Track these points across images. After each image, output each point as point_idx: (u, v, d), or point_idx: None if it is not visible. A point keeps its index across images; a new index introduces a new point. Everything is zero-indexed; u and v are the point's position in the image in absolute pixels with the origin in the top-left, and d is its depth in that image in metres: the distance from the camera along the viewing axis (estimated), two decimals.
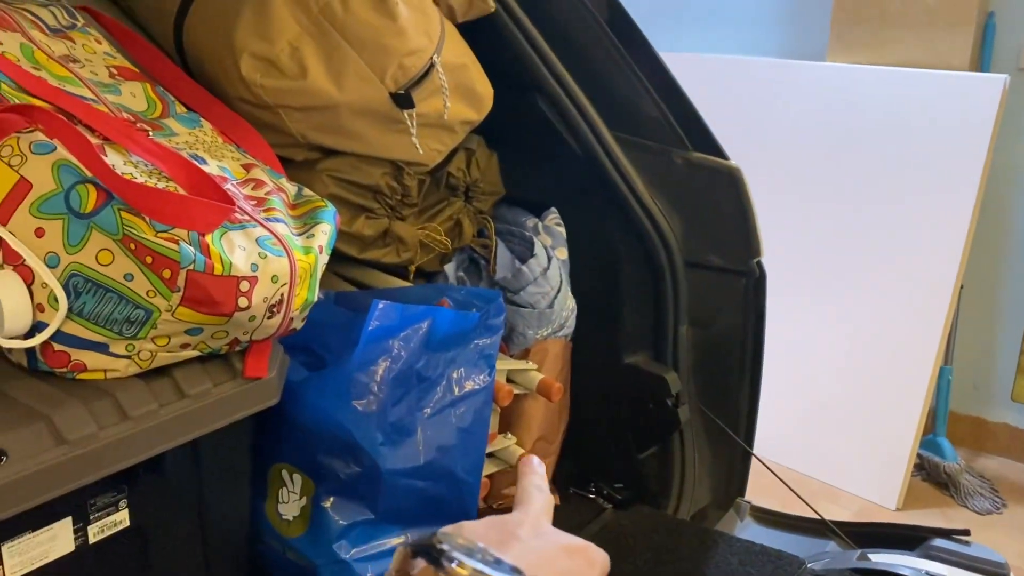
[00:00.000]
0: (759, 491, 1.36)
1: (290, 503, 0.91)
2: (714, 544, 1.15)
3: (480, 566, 0.40)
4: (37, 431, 0.63)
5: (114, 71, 0.83)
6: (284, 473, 0.91)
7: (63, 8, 0.86)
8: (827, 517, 1.25)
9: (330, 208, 0.82)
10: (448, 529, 0.45)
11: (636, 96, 1.16)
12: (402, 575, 0.42)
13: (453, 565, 0.39)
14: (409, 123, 0.99)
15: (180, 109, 0.85)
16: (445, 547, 0.40)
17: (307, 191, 0.85)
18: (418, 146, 1.01)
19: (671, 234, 1.20)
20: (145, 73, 0.87)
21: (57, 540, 0.69)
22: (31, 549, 0.67)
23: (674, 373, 1.24)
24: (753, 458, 1.31)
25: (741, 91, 2.47)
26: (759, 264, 1.21)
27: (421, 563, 0.41)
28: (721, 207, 1.19)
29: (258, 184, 0.80)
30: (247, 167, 0.82)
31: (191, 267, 0.65)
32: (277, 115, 0.96)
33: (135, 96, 0.82)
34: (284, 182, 0.84)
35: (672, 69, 1.15)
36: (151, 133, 0.78)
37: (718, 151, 1.17)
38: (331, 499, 0.88)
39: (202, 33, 0.97)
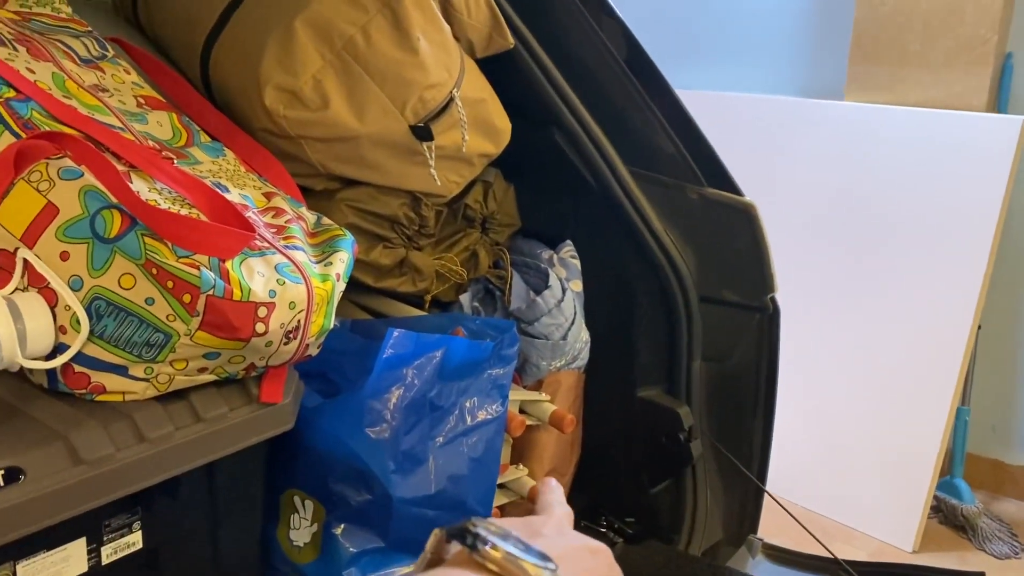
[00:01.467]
0: (772, 529, 1.34)
1: (301, 529, 0.91)
2: None
3: (513, 549, 0.41)
4: (55, 451, 0.64)
5: (141, 100, 0.85)
6: (296, 499, 0.91)
7: (94, 39, 0.89)
8: (841, 557, 1.24)
9: (348, 237, 0.83)
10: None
11: (652, 132, 1.17)
12: (436, 558, 0.44)
13: (487, 547, 0.41)
14: (428, 155, 1.01)
15: (204, 138, 0.87)
16: (480, 531, 0.41)
17: (326, 220, 0.86)
18: (436, 178, 1.03)
19: (685, 268, 1.20)
20: (171, 103, 0.89)
21: (71, 560, 0.69)
22: (45, 569, 0.68)
23: (687, 407, 1.24)
24: (766, 495, 1.30)
25: (758, 129, 2.49)
26: (773, 300, 1.21)
27: (456, 546, 0.43)
28: (736, 243, 1.19)
29: (278, 212, 0.81)
30: (268, 195, 0.84)
31: (211, 292, 0.66)
32: (299, 145, 0.98)
33: (161, 125, 0.84)
34: (304, 211, 0.86)
35: (689, 106, 1.16)
36: (176, 161, 0.80)
37: (733, 187, 1.18)
38: (342, 526, 0.89)
39: (228, 65, 0.99)
